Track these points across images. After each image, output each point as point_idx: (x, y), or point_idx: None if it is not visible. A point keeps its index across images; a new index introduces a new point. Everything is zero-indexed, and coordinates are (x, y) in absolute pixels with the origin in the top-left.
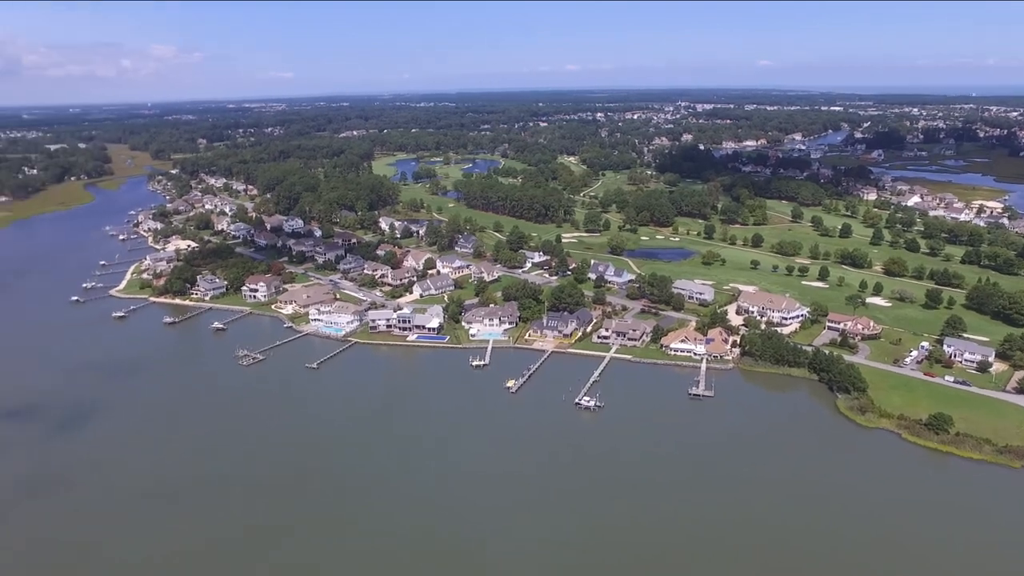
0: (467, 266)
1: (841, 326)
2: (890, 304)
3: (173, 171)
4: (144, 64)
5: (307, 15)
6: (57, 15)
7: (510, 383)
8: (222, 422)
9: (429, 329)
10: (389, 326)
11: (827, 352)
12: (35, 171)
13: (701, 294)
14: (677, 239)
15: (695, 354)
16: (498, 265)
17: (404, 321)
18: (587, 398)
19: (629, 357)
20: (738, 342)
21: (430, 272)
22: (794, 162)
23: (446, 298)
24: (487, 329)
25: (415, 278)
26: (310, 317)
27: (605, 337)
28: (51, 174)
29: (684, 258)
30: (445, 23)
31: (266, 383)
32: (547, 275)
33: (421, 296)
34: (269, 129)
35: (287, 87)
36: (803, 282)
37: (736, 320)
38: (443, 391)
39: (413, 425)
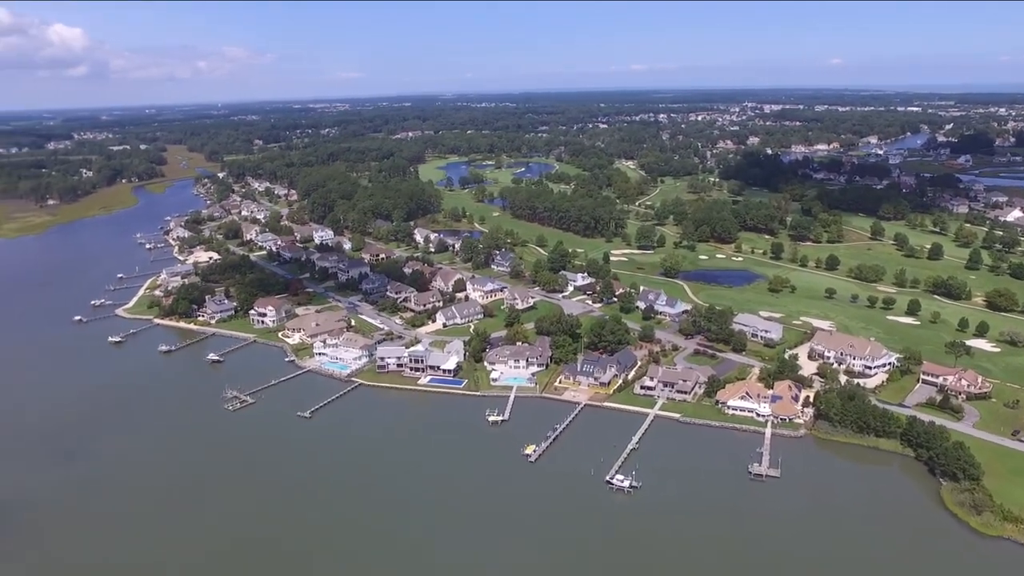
0: (500, 289)
1: (940, 380)
2: (999, 349)
3: (221, 174)
4: (219, 65)
5: (375, 15)
6: (137, 17)
7: (530, 449)
8: (182, 489)
9: (445, 371)
10: (400, 365)
11: (925, 422)
12: (90, 173)
13: (767, 332)
14: (740, 259)
15: (758, 415)
16: (535, 288)
17: (417, 360)
18: (620, 476)
19: (677, 416)
20: (811, 400)
21: (458, 296)
22: (871, 168)
23: (472, 328)
24: (512, 372)
25: (440, 303)
26: (314, 350)
27: (650, 388)
28: (103, 176)
29: (747, 282)
30: (512, 22)
31: (247, 434)
32: (590, 302)
33: (444, 326)
34: (326, 130)
35: (354, 87)
36: (889, 317)
37: (808, 367)
38: (447, 456)
39: (400, 505)
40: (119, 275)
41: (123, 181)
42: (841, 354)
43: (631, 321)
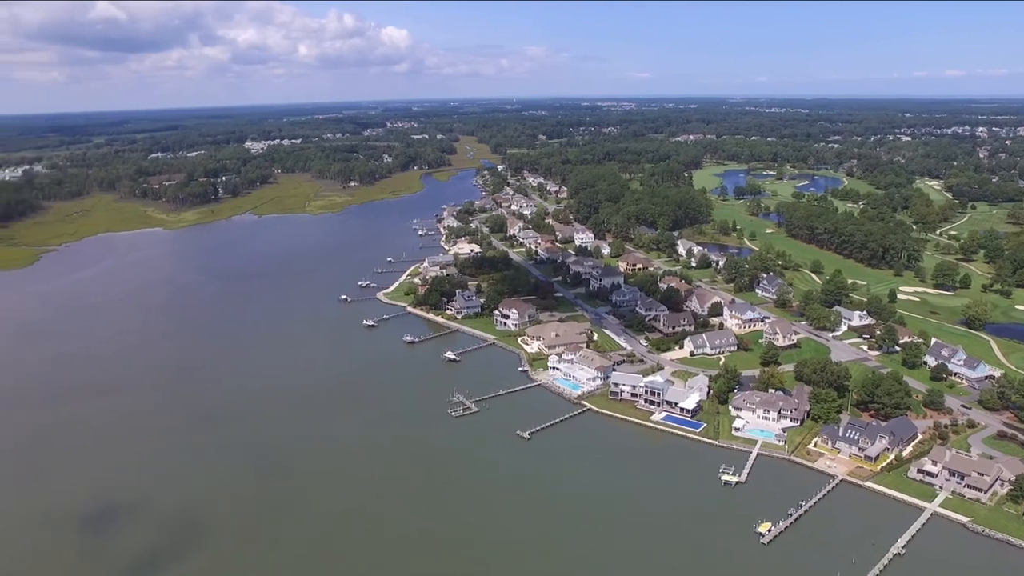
0: (761, 319)
1: None
2: None
3: (500, 166)
4: (519, 63)
5: (669, 14)
6: (451, 18)
7: (764, 527)
8: (378, 493)
9: (682, 409)
10: (634, 395)
11: None
12: (390, 159)
13: None
14: None
15: None
16: (802, 322)
17: (653, 392)
18: None
19: (964, 520)
20: None
21: (713, 321)
22: None
23: (722, 362)
24: (758, 423)
25: (691, 327)
26: (549, 363)
27: (930, 474)
28: (399, 162)
29: None
30: (806, 20)
31: (459, 447)
32: (865, 348)
33: (692, 354)
34: (607, 129)
35: (643, 87)
36: None
37: None
38: (664, 514)
39: (596, 566)
40: (388, 258)
41: (415, 168)
42: None
43: (915, 380)
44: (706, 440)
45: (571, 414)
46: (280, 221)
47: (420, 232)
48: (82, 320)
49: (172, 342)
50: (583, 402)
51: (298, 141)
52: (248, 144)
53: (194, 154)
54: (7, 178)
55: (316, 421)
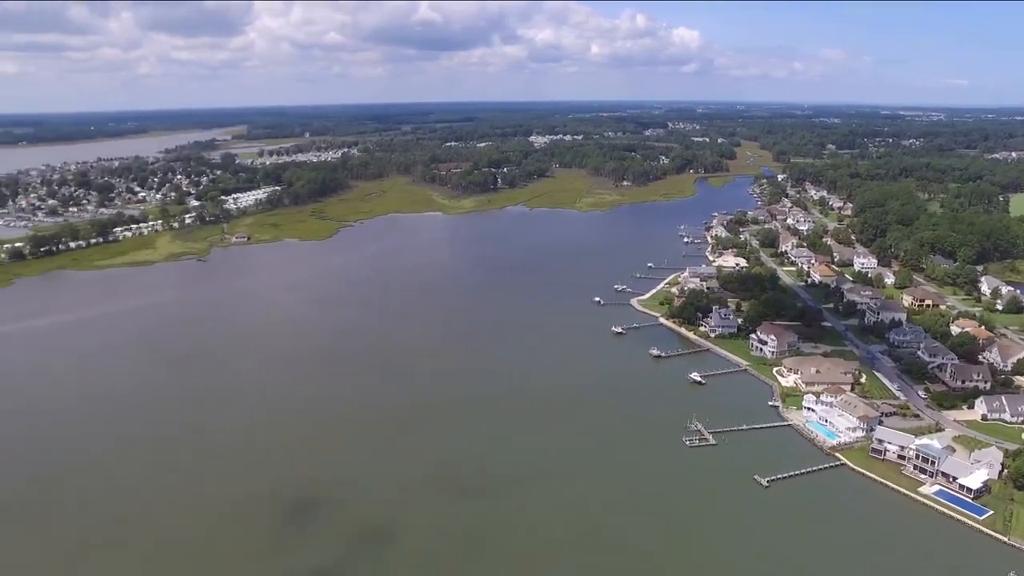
0: None
1: None
2: None
3: (780, 176)
4: (812, 67)
5: (992, 12)
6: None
7: None
8: (587, 527)
9: (963, 487)
10: (902, 457)
11: None
12: (665, 161)
13: None
14: None
15: None
16: None
17: (925, 459)
18: None
19: None
20: None
21: (1017, 381)
22: None
23: None
24: None
25: (987, 384)
26: (804, 402)
27: None
28: (674, 164)
29: None
30: None
31: (687, 482)
32: None
33: (983, 419)
34: (908, 141)
35: (955, 95)
36: None
37: None
38: None
39: None
40: (649, 264)
41: (690, 171)
42: None
43: None
44: (992, 534)
45: (821, 466)
46: (549, 215)
47: (686, 239)
48: (359, 290)
49: (425, 323)
50: (838, 454)
51: (579, 137)
52: (532, 138)
53: (482, 145)
54: (329, 159)
55: (543, 429)
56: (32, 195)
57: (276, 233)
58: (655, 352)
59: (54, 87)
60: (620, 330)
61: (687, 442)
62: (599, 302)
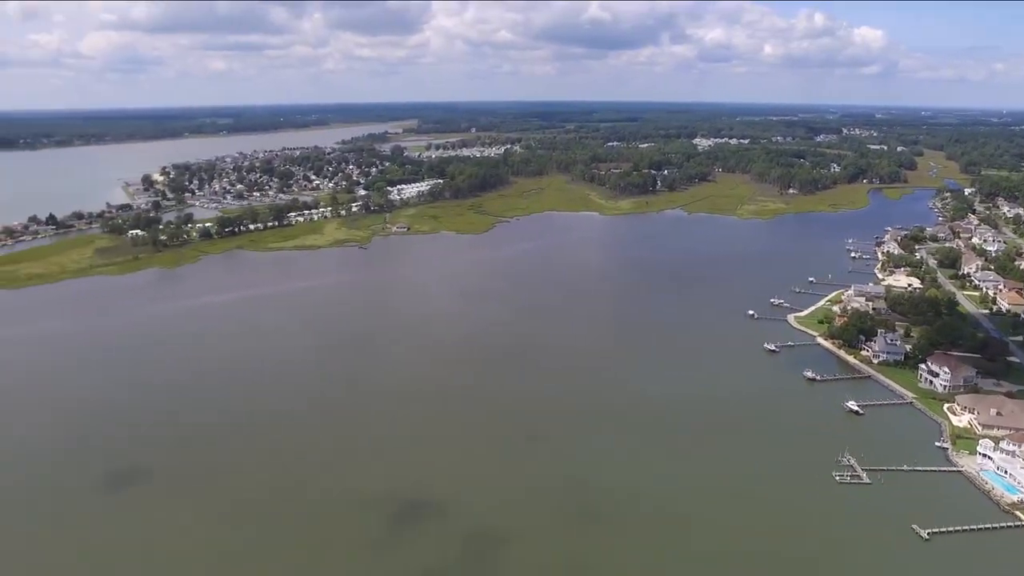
0: None
1: None
2: None
3: (968, 189)
4: (1018, 67)
5: None
6: (934, 17)
7: None
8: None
9: None
10: None
11: None
12: (836, 169)
13: None
14: None
15: None
16: None
17: None
18: None
19: None
20: None
21: None
22: None
23: None
24: None
25: None
26: (978, 448)
27: None
28: (846, 173)
29: None
30: None
31: (834, 523)
32: None
33: None
34: None
35: None
36: None
37: None
38: None
39: None
40: (810, 278)
41: (863, 181)
42: None
43: None
44: None
45: (996, 524)
46: (707, 221)
47: (853, 254)
48: (508, 286)
49: (568, 325)
50: (1018, 513)
51: (745, 141)
52: (696, 140)
53: (644, 146)
54: (492, 154)
55: (680, 449)
56: (224, 180)
57: (435, 225)
58: (809, 374)
59: (253, 82)
60: (773, 347)
61: (837, 477)
62: (752, 315)
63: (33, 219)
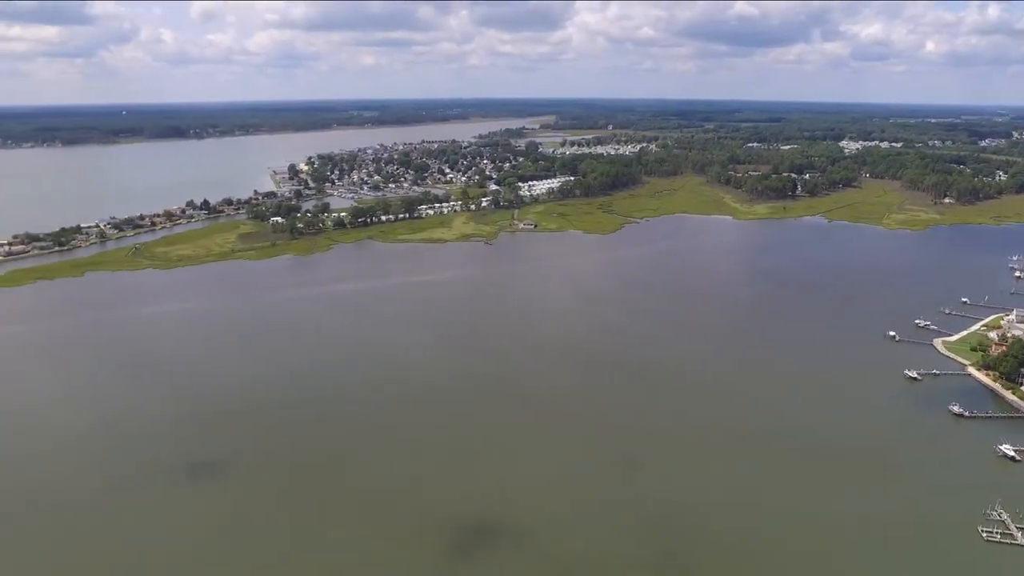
0: None
1: None
2: None
3: None
4: None
5: None
6: None
7: None
8: None
9: None
10: None
11: None
12: (1003, 177)
13: None
14: None
15: None
16: None
17: None
18: None
19: None
20: None
21: None
22: None
23: None
24: None
25: None
26: None
27: None
28: (1015, 182)
29: None
30: None
31: None
32: None
33: None
34: None
35: None
36: None
37: None
38: None
39: None
40: (963, 299)
41: None
42: None
43: None
44: None
45: None
46: (849, 230)
47: (1018, 274)
48: (630, 290)
49: (688, 335)
50: None
51: (898, 145)
52: (843, 143)
53: (786, 147)
54: (627, 152)
55: (797, 485)
56: (363, 171)
57: (562, 223)
58: (956, 409)
59: (399, 77)
60: (915, 375)
61: (984, 534)
62: (893, 337)
63: (190, 204)
